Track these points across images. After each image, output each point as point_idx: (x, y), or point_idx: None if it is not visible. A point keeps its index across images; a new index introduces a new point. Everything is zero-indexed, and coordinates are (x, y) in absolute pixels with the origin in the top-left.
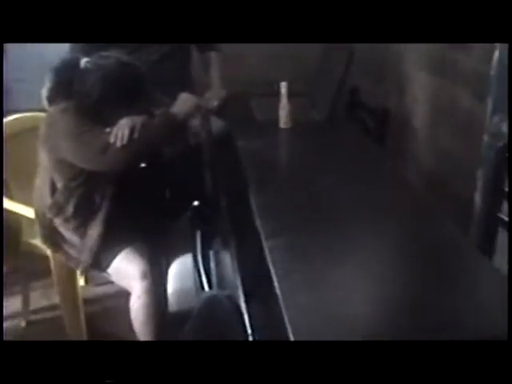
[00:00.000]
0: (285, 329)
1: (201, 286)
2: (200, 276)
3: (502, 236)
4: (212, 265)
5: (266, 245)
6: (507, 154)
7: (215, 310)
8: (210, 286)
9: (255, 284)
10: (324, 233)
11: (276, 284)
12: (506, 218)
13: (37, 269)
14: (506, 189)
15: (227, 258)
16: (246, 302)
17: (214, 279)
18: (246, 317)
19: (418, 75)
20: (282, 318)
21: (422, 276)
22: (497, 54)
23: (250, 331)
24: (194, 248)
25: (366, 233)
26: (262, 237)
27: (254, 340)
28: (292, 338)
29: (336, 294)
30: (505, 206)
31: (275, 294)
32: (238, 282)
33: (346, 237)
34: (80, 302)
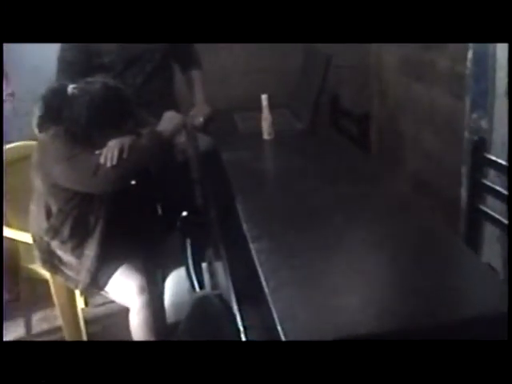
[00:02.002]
0: (274, 324)
1: (192, 288)
2: (191, 280)
3: (489, 229)
4: (206, 276)
5: (252, 247)
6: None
7: (207, 310)
8: (201, 288)
9: (245, 284)
10: (308, 234)
11: (263, 282)
12: (491, 211)
13: (37, 293)
14: (487, 182)
15: (220, 268)
16: (238, 301)
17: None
18: (237, 315)
19: (398, 79)
20: (271, 314)
21: (408, 269)
22: (470, 53)
23: (241, 329)
24: (185, 255)
25: (350, 232)
26: (249, 240)
27: (247, 340)
28: (280, 332)
29: (321, 289)
30: (488, 198)
31: (264, 292)
32: (230, 284)
33: (329, 236)
34: (81, 323)
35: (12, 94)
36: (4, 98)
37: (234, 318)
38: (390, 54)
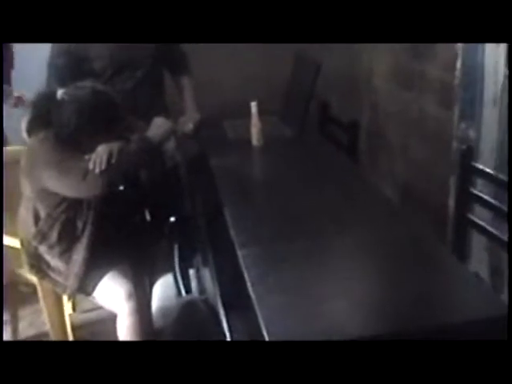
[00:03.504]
0: (260, 330)
1: (179, 293)
2: (178, 285)
3: (476, 238)
4: (193, 283)
5: (239, 253)
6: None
7: (193, 314)
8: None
9: (232, 290)
10: (295, 240)
11: (250, 288)
12: (478, 220)
13: (24, 298)
14: (475, 191)
15: (207, 274)
16: (224, 307)
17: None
18: (224, 320)
19: (388, 88)
20: (258, 320)
21: (394, 276)
22: (459, 62)
23: (227, 334)
24: (173, 260)
25: (337, 238)
26: (236, 246)
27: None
28: (266, 337)
29: (308, 295)
30: (476, 207)
31: (250, 298)
32: (217, 290)
33: (316, 243)
34: (68, 328)
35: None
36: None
37: (220, 323)
38: (379, 63)
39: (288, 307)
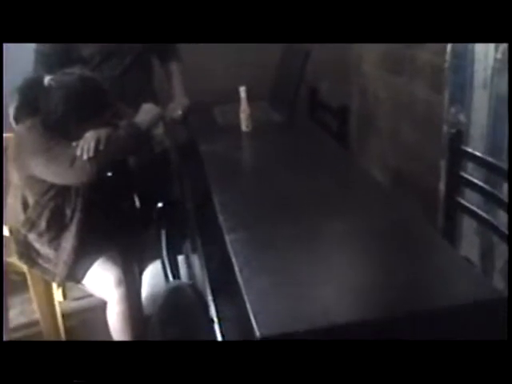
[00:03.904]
0: (248, 314)
1: (166, 279)
2: (166, 271)
3: (467, 222)
4: (183, 269)
5: (227, 238)
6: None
7: (179, 299)
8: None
9: (220, 275)
10: (283, 225)
11: (237, 273)
12: (469, 204)
13: (14, 286)
14: (465, 175)
15: (196, 261)
16: (212, 292)
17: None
18: (212, 306)
19: (378, 73)
20: (245, 304)
21: (383, 260)
22: (449, 46)
23: (215, 319)
24: (160, 246)
25: (326, 223)
26: (224, 231)
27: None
28: (253, 322)
29: (295, 280)
30: (466, 191)
31: (238, 282)
32: (205, 275)
33: (305, 228)
34: (59, 316)
35: None
36: None
37: (207, 308)
38: (369, 48)
39: (275, 292)
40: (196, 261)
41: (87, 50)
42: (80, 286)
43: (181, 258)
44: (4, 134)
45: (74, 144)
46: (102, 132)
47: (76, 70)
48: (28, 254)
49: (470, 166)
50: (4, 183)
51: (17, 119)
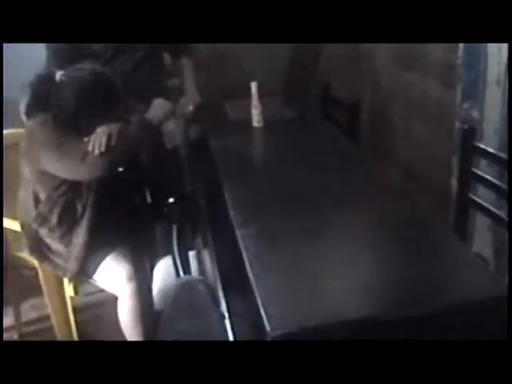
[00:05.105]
0: (258, 309)
1: (177, 274)
2: (176, 266)
3: (480, 219)
4: (194, 265)
5: (238, 234)
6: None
7: (190, 295)
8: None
9: (231, 270)
10: (294, 221)
11: (248, 268)
12: (481, 201)
13: (25, 281)
14: (478, 171)
15: (208, 256)
16: (223, 287)
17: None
18: (222, 301)
19: (390, 69)
20: (256, 300)
21: (395, 256)
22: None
23: (225, 314)
24: (171, 241)
25: (337, 219)
26: (235, 226)
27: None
28: (264, 317)
29: (306, 275)
30: (479, 188)
31: (249, 278)
32: (216, 270)
33: (316, 223)
34: (70, 311)
35: None
36: None
37: (218, 304)
38: (382, 44)
39: (286, 287)
40: (207, 256)
41: (98, 45)
42: (91, 281)
43: (192, 254)
44: (4, 132)
45: (85, 139)
46: (114, 127)
47: (87, 66)
48: (39, 248)
49: (483, 162)
50: (3, 181)
51: (28, 115)
